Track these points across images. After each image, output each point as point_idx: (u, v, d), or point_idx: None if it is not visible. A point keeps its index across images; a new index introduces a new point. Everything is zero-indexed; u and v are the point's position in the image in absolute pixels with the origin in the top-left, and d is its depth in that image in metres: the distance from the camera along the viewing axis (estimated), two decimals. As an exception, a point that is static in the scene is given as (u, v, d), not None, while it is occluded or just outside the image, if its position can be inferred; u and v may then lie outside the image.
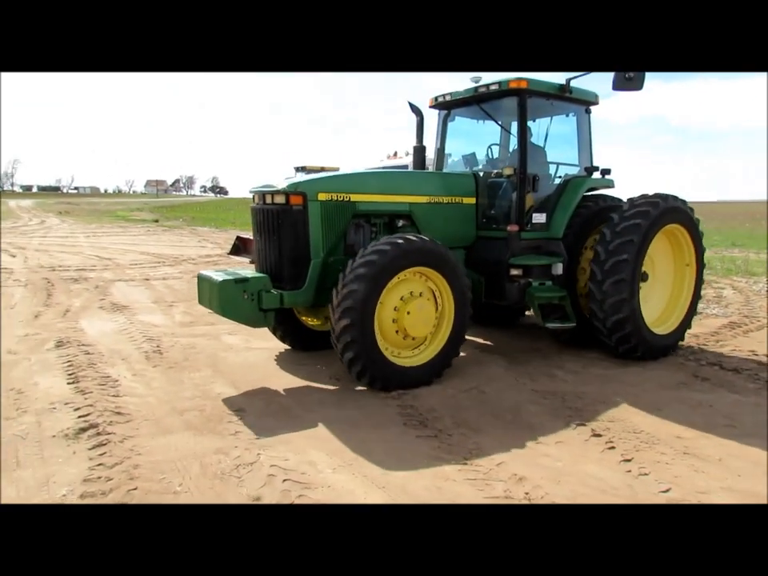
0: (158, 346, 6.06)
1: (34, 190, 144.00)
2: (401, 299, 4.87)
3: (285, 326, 5.80)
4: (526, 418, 4.31)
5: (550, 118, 6.40)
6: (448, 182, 5.98)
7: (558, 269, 5.81)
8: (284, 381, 5.09)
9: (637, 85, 5.18)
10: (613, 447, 3.78)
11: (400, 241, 4.70)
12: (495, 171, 6.19)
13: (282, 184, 5.06)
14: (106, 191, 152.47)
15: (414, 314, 4.84)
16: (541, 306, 5.65)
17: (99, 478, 3.24)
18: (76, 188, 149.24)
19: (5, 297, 8.75)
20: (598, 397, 4.75)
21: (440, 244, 5.00)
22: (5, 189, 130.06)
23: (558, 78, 6.13)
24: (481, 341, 6.69)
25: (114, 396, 4.56)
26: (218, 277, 4.78)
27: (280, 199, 5.02)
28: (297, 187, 4.98)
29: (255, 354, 5.93)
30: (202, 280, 5.08)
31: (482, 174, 6.18)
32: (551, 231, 5.99)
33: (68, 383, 4.82)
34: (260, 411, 4.35)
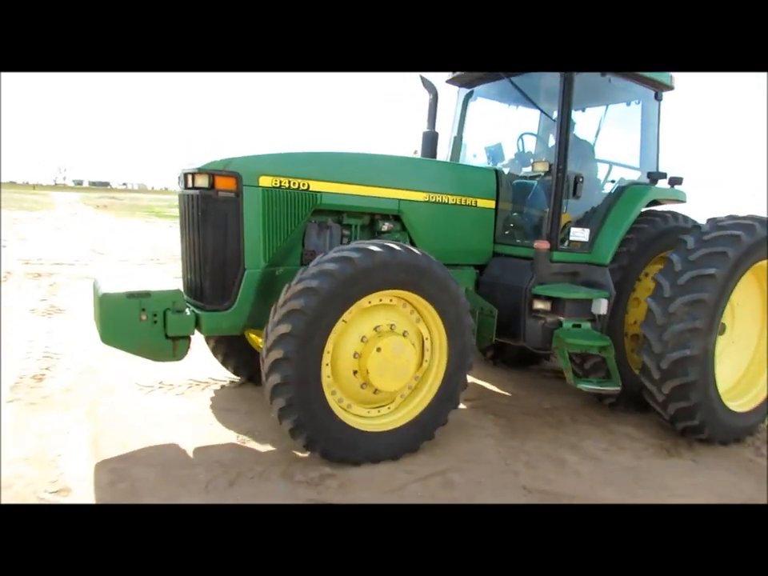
0: (47, 368, 4.75)
1: (85, 184, 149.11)
2: (361, 340, 3.40)
3: (229, 346, 4.46)
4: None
5: (605, 107, 5.03)
6: (459, 177, 4.52)
7: (602, 306, 4.26)
8: (170, 436, 3.70)
9: None
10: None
11: (356, 255, 3.21)
12: (525, 168, 4.78)
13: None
14: (153, 188, 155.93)
15: (386, 358, 3.39)
16: (572, 357, 4.23)
17: None
18: (124, 184, 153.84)
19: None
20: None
21: (427, 257, 3.50)
22: (57, 182, 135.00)
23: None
24: (479, 384, 5.14)
25: None
26: (107, 287, 3.28)
27: (202, 181, 3.46)
28: (227, 165, 3.44)
29: (159, 396, 4.49)
30: (94, 289, 3.51)
31: (507, 171, 4.81)
32: (595, 254, 4.47)
33: None
34: (103, 490, 2.92)
